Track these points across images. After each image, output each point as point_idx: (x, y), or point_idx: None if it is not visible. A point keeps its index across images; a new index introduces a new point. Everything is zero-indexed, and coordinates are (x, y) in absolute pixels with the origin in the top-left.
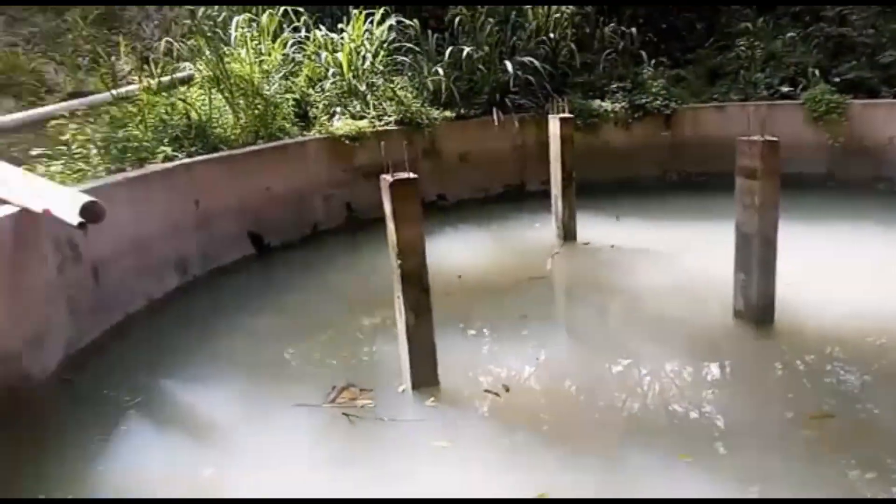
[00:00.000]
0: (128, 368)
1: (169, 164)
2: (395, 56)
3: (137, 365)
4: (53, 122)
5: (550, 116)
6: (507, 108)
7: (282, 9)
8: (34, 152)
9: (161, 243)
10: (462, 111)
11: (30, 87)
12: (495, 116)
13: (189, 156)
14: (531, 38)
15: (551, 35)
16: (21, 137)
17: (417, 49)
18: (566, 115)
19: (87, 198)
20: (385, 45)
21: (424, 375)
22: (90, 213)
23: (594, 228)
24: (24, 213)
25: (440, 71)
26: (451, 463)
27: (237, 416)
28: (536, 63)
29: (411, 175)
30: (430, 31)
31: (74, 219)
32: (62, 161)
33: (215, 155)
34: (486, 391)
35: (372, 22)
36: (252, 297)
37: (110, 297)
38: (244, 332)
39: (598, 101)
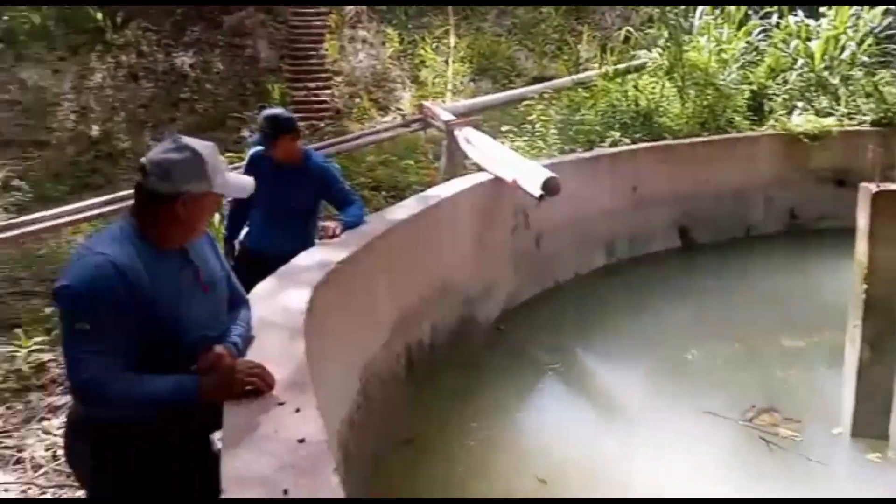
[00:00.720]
0: (551, 331)
1: (615, 149)
2: (885, 45)
3: (559, 330)
4: (525, 103)
5: None
6: None
7: None
8: (503, 128)
9: (595, 223)
10: None
11: (504, 71)
12: None
13: (633, 142)
14: None
15: None
16: (492, 115)
17: None
18: None
19: (548, 173)
20: (873, 33)
21: (870, 423)
22: (550, 187)
23: None
24: (497, 180)
25: None
26: None
27: (641, 402)
28: None
29: None
30: None
31: (536, 191)
32: (525, 138)
33: (660, 143)
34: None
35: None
36: (670, 290)
37: (546, 265)
38: (656, 322)
39: None
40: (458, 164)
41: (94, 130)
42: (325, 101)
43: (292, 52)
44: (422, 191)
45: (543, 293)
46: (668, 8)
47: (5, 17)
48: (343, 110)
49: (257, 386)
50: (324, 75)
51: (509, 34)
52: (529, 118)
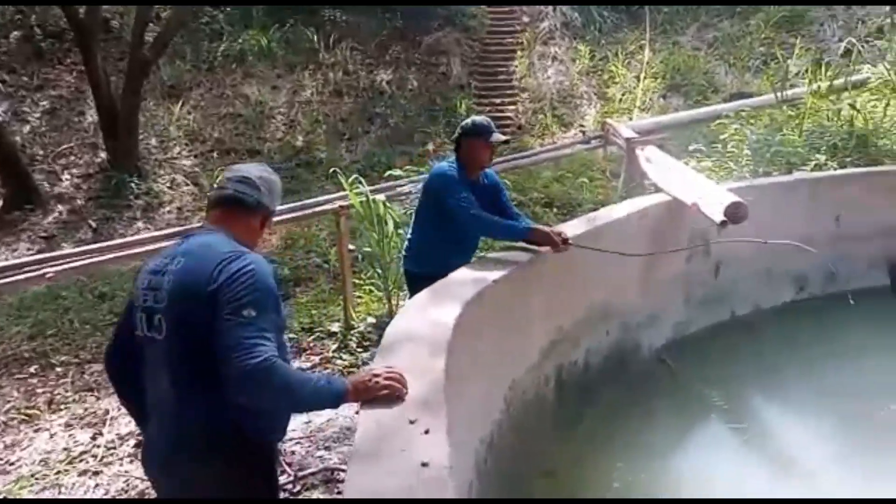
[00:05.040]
0: (722, 368)
1: (818, 174)
2: None
3: (733, 369)
4: (717, 121)
5: None
6: None
7: None
8: (691, 147)
9: (786, 255)
10: None
11: (699, 87)
12: None
13: (842, 166)
14: None
15: None
16: (681, 133)
17: None
18: None
19: (734, 198)
20: None
21: None
22: (733, 213)
23: None
24: (675, 202)
25: None
26: None
27: (822, 459)
28: None
29: None
30: None
31: (718, 216)
32: (713, 158)
33: (873, 169)
34: None
35: None
36: (870, 333)
37: (724, 296)
38: (850, 369)
39: None
40: (636, 184)
41: (299, 141)
42: (509, 117)
43: (482, 68)
44: (594, 209)
45: (717, 326)
46: None
47: (240, 41)
48: (525, 126)
49: (393, 391)
50: (510, 91)
51: (709, 48)
52: (721, 137)
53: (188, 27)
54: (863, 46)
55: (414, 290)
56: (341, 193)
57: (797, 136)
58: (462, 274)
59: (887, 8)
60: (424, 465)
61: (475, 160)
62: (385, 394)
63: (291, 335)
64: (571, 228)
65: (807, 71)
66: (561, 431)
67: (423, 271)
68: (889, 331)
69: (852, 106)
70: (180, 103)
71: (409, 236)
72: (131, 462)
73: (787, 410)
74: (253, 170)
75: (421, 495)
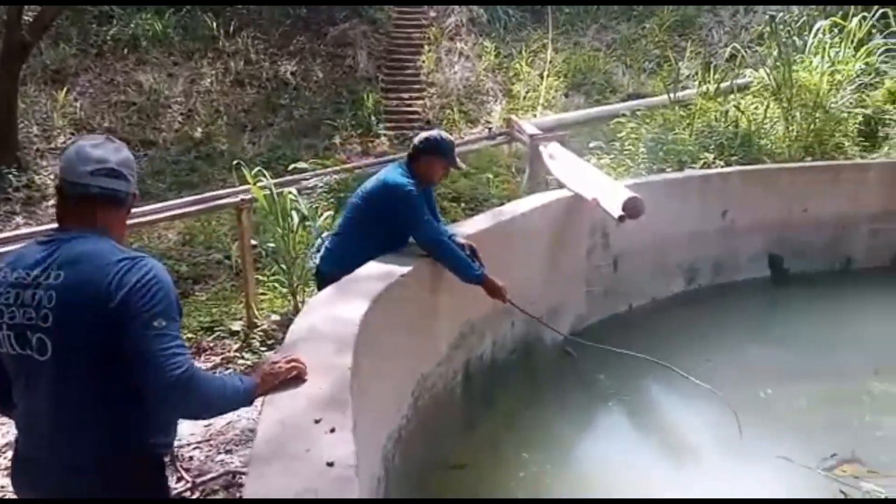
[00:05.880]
0: (621, 358)
1: (706, 171)
2: None
3: (631, 359)
4: (616, 120)
5: None
6: None
7: (877, 12)
8: (591, 145)
9: (678, 247)
10: None
11: (599, 86)
12: None
13: (727, 164)
14: None
15: None
16: (581, 131)
17: None
18: None
19: (630, 193)
20: None
21: None
22: (631, 208)
23: None
24: (577, 198)
25: None
26: None
27: (710, 442)
28: None
29: None
30: None
31: (617, 211)
32: (612, 156)
33: (757, 167)
34: None
35: None
36: (754, 321)
37: (621, 288)
38: (735, 356)
39: None
40: (540, 180)
41: (198, 132)
42: (416, 112)
43: (390, 62)
44: (500, 204)
45: (615, 317)
46: (780, 25)
47: (132, 25)
48: (433, 121)
49: (298, 370)
50: (417, 86)
51: (608, 49)
52: (620, 135)
53: (73, 8)
54: (746, 52)
55: None
56: (245, 187)
57: (688, 136)
58: (368, 270)
59: (767, 16)
60: (330, 464)
61: (430, 177)
62: (291, 376)
63: (190, 335)
64: (480, 223)
65: (696, 73)
66: (469, 424)
67: (341, 276)
68: (772, 320)
69: (737, 107)
70: (65, 89)
71: (326, 236)
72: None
73: (678, 397)
74: (108, 154)
75: (326, 496)
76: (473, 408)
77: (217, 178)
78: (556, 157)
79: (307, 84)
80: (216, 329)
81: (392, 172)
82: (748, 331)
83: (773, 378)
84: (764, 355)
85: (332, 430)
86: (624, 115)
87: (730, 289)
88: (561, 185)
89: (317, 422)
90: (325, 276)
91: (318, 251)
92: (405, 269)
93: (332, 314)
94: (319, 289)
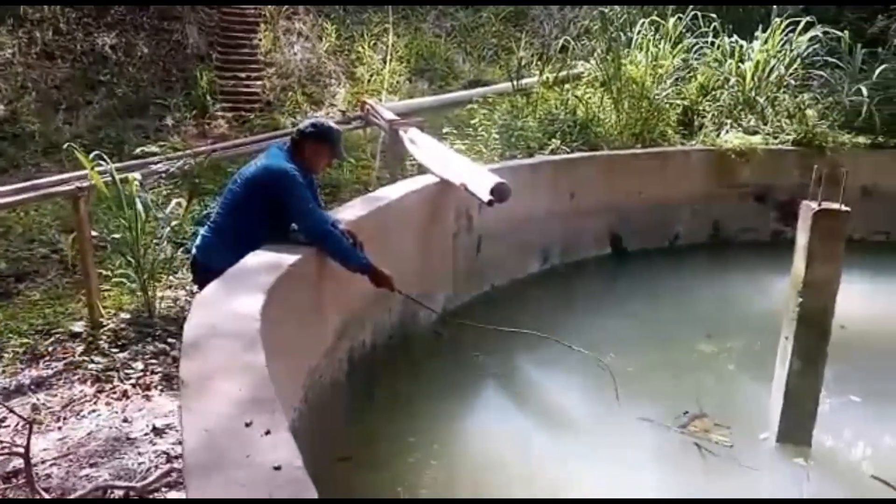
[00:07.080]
0: (489, 335)
1: (556, 157)
2: (809, 71)
3: (497, 335)
4: (468, 106)
5: None
6: None
7: (691, 13)
8: (444, 130)
9: (533, 229)
10: (881, 139)
11: (441, 73)
12: None
13: (571, 151)
14: None
15: None
16: (430, 116)
17: (839, 64)
18: None
19: (497, 178)
20: (800, 57)
21: (796, 430)
22: (499, 192)
23: None
24: (444, 183)
25: (864, 91)
26: None
27: (577, 408)
28: None
29: (843, 207)
30: (857, 45)
31: (486, 196)
32: (466, 141)
33: (599, 153)
34: (874, 477)
35: (793, 31)
36: (602, 296)
37: (484, 269)
38: (588, 327)
39: None
40: (400, 164)
41: (0, 109)
42: (255, 93)
43: (223, 39)
44: (358, 189)
45: (480, 297)
46: (608, 22)
47: None
48: (274, 103)
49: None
50: (255, 66)
51: (448, 36)
52: (472, 122)
53: None
54: (575, 44)
55: (205, 286)
56: (78, 173)
57: (533, 123)
58: (254, 261)
59: (595, 12)
60: (277, 468)
61: (314, 166)
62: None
63: (24, 340)
64: (357, 210)
65: (533, 63)
66: (354, 413)
67: (220, 266)
68: (608, 292)
69: (576, 96)
70: None
71: (205, 226)
72: None
73: (544, 368)
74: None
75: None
76: (358, 396)
77: (29, 163)
78: (418, 143)
79: (130, 59)
80: (53, 332)
81: (274, 157)
82: (593, 304)
83: (618, 346)
84: (610, 324)
85: (268, 433)
86: (476, 101)
87: (578, 266)
88: (423, 171)
89: (248, 425)
90: (202, 265)
91: (195, 237)
92: (293, 259)
93: (230, 310)
94: (196, 278)
